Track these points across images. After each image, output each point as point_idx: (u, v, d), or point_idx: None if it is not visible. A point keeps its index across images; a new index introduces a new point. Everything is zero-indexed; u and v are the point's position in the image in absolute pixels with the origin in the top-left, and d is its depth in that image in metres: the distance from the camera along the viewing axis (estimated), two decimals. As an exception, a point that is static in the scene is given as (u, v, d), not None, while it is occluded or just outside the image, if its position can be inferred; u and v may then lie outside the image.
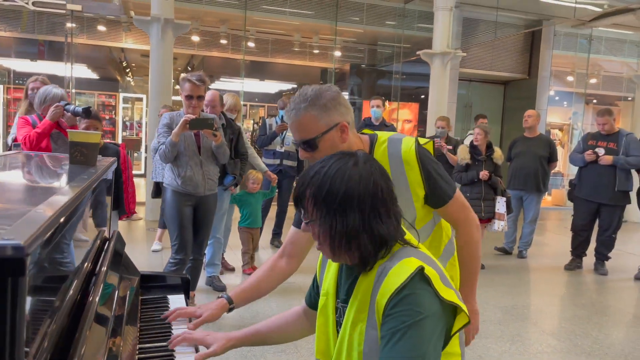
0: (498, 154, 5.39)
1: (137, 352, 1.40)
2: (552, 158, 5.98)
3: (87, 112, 3.30)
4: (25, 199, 1.08)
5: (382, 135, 1.65)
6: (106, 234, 1.89)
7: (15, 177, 1.45)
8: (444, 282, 1.22)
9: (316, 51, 10.79)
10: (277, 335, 1.54)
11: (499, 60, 10.57)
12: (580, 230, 5.62)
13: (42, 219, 0.63)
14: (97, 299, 1.13)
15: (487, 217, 5.40)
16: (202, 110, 3.69)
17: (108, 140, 4.18)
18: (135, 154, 12.13)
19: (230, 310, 1.61)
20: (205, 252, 4.04)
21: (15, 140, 3.36)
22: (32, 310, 0.67)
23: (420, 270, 1.16)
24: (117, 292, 1.41)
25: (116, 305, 1.32)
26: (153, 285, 1.93)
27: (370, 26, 9.89)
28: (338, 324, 1.32)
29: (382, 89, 10.92)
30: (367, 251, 1.19)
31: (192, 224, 3.58)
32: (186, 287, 1.95)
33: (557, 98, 12.47)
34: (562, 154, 11.28)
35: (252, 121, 12.01)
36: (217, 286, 4.32)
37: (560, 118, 12.84)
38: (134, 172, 4.61)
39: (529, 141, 5.99)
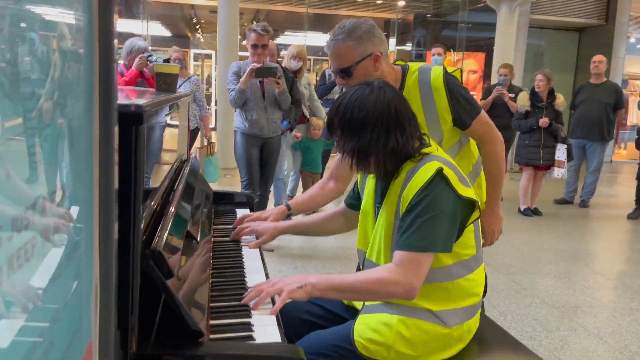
0: (560, 101, 5.34)
1: (212, 244, 1.74)
2: (618, 105, 5.81)
3: (167, 62, 3.69)
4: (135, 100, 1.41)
5: (413, 65, 1.85)
6: (184, 158, 2.24)
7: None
8: (462, 181, 1.46)
9: (379, 1, 10.72)
10: (317, 228, 1.85)
11: (574, 5, 10.05)
12: (645, 180, 5.51)
13: (149, 100, 0.93)
14: (181, 191, 1.46)
15: (546, 165, 5.41)
16: (266, 59, 3.98)
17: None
18: (207, 108, 12.74)
19: (288, 216, 1.94)
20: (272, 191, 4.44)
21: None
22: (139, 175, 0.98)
23: (439, 171, 1.40)
24: (196, 195, 1.75)
25: (196, 204, 1.66)
26: (224, 202, 2.28)
27: (436, -26, 9.68)
28: (375, 220, 1.60)
29: (447, 40, 10.73)
30: (388, 165, 1.45)
31: (259, 163, 3.95)
32: (251, 204, 2.29)
33: (638, 46, 11.71)
34: (640, 105, 10.69)
35: (315, 75, 12.22)
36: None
37: (642, 67, 12.06)
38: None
39: (594, 88, 5.84)
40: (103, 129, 0.70)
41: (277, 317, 1.25)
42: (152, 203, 1.25)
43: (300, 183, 5.27)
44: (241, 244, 1.79)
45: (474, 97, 1.93)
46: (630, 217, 5.62)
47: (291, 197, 5.31)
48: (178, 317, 0.96)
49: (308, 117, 5.01)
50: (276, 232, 1.82)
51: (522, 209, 5.61)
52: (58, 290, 0.58)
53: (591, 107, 5.76)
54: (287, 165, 5.03)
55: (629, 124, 11.20)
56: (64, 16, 0.64)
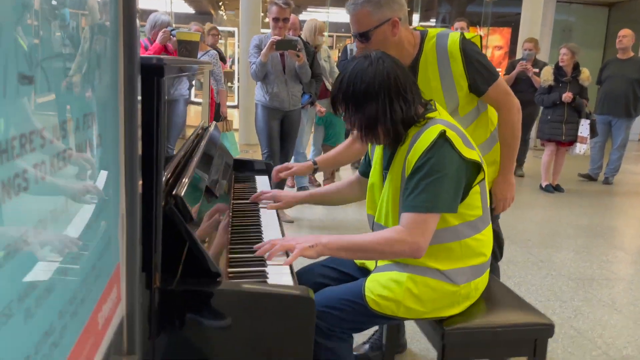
0: (585, 75, 5.25)
1: (231, 204, 1.83)
2: (646, 81, 5.68)
3: None
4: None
5: (432, 31, 1.88)
6: (205, 125, 2.33)
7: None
8: (466, 143, 1.50)
9: (404, -23, 10.55)
10: (334, 196, 1.92)
11: (604, -21, 9.74)
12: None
13: (172, 59, 1.01)
14: (202, 150, 1.54)
15: (569, 140, 5.35)
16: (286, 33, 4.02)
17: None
18: (230, 84, 12.82)
19: (315, 171, 2.02)
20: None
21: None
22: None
23: (442, 133, 1.44)
24: (217, 156, 1.83)
25: (217, 164, 1.74)
26: (244, 169, 2.36)
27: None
28: (382, 186, 1.65)
29: (472, 16, 10.54)
30: (393, 132, 1.49)
31: (279, 136, 4.02)
32: (269, 171, 2.36)
33: (672, 21, 11.32)
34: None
35: (337, 52, 12.16)
36: (307, 186, 4.82)
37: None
38: (227, 103, 5.18)
39: (621, 63, 5.72)
40: (127, 79, 0.77)
41: (290, 267, 1.32)
42: (175, 160, 1.33)
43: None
44: (259, 206, 1.87)
45: (499, 72, 1.94)
46: (655, 194, 5.54)
47: (311, 177, 5.38)
48: (198, 258, 1.04)
49: (330, 90, 5.04)
50: (293, 201, 1.89)
51: (543, 186, 5.58)
52: (91, 232, 0.65)
53: (617, 82, 5.66)
54: (307, 139, 5.10)
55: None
56: None
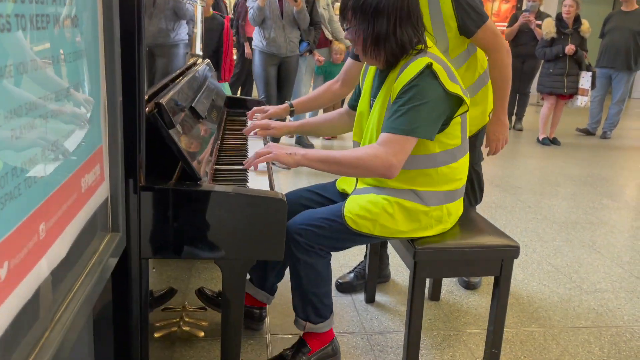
0: (586, 27, 5.22)
1: (222, 132, 1.93)
2: (649, 33, 5.63)
3: None
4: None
5: None
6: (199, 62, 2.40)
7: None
8: (451, 78, 1.57)
9: None
10: (325, 127, 2.01)
11: None
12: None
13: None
14: (190, 77, 1.62)
15: (570, 93, 5.37)
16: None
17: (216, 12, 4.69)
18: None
19: (291, 112, 2.09)
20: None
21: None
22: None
23: (429, 65, 1.51)
24: (209, 87, 1.92)
25: (208, 92, 1.83)
26: (236, 106, 2.44)
27: None
28: (369, 114, 1.74)
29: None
30: (391, 53, 1.56)
31: (276, 82, 4.09)
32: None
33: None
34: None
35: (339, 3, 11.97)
36: (305, 144, 4.89)
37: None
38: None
39: (624, 15, 5.65)
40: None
41: (270, 182, 1.43)
42: (165, 81, 1.41)
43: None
44: (249, 138, 1.96)
45: (488, 15, 1.98)
46: (651, 149, 5.59)
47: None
48: (182, 167, 1.14)
49: (330, 39, 5.05)
50: (285, 129, 1.98)
51: (540, 139, 5.64)
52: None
53: (619, 35, 5.61)
54: (305, 87, 5.14)
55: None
56: None
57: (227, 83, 4.71)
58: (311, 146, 4.88)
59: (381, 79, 1.67)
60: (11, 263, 0.50)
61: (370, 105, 1.72)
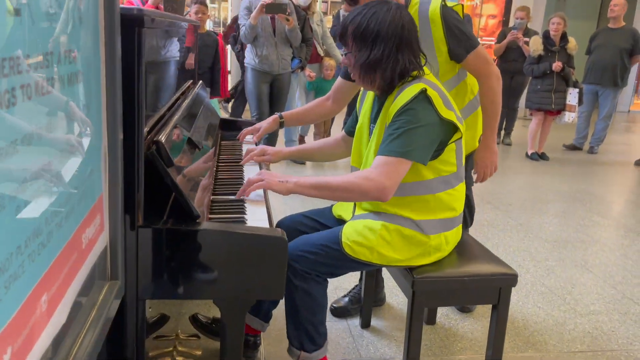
0: (572, 44, 5.29)
1: (217, 158, 1.90)
2: (635, 51, 5.70)
3: None
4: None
5: None
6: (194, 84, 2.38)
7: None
8: (446, 104, 1.57)
9: (399, -58, 10.37)
10: (320, 153, 2.00)
11: (602, -53, 9.64)
12: (656, 126, 5.50)
13: (153, 12, 1.07)
14: (189, 105, 1.60)
15: (558, 109, 5.43)
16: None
17: (211, 29, 4.70)
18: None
19: (280, 125, 2.09)
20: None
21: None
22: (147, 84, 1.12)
23: (423, 90, 1.51)
24: (204, 113, 1.90)
25: (203, 118, 1.81)
26: (230, 128, 2.42)
27: None
28: (369, 139, 1.73)
29: (468, -17, 10.42)
30: (389, 78, 1.56)
31: (269, 98, 4.08)
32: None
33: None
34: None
35: (331, 17, 12.04)
36: (296, 160, 4.88)
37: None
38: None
39: (611, 32, 5.74)
40: (108, 29, 0.83)
41: (268, 214, 1.41)
42: (159, 114, 1.39)
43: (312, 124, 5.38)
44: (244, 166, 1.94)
45: (479, 40, 1.99)
46: (638, 163, 5.65)
47: (302, 137, 5.43)
48: (180, 201, 1.12)
49: (322, 55, 5.05)
50: (281, 155, 1.96)
51: (529, 154, 5.68)
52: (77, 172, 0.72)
53: (606, 52, 5.69)
54: (297, 104, 5.13)
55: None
56: None
57: (216, 101, 4.69)
58: (302, 164, 4.86)
59: (379, 105, 1.66)
60: (14, 347, 0.47)
61: (370, 132, 1.71)
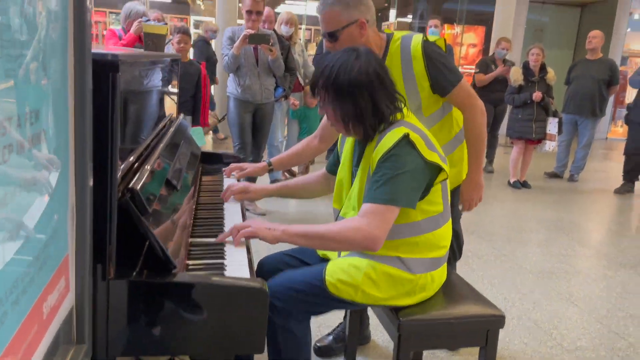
0: (551, 75, 5.39)
1: (196, 196, 1.85)
2: (612, 82, 5.83)
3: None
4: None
5: (397, 34, 1.92)
6: (174, 117, 2.33)
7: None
8: (429, 146, 1.55)
9: (381, -28, 10.60)
10: (302, 191, 1.96)
11: (577, -20, 9.95)
12: (633, 154, 5.59)
13: (128, 55, 1.02)
14: (166, 143, 1.55)
15: (538, 138, 5.49)
16: (260, 26, 4.02)
17: (193, 59, 4.68)
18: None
19: (270, 170, 2.05)
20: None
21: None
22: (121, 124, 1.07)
23: (406, 136, 1.49)
24: (183, 149, 1.85)
25: (182, 156, 1.76)
26: (212, 161, 2.37)
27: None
28: (352, 181, 1.69)
29: (448, 13, 10.66)
30: (367, 126, 1.54)
31: (251, 128, 4.04)
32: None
33: (641, 23, 11.63)
34: None
35: (315, 44, 12.17)
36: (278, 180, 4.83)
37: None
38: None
39: (589, 64, 5.87)
40: (77, 72, 0.78)
41: (249, 258, 1.36)
42: (137, 151, 1.34)
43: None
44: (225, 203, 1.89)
45: (462, 74, 1.98)
46: (617, 191, 5.72)
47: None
48: (155, 250, 1.06)
49: (303, 84, 5.06)
50: (263, 192, 1.92)
51: (511, 182, 5.72)
52: (41, 222, 0.67)
53: (584, 83, 5.80)
54: (281, 133, 5.11)
55: (626, 101, 11.22)
56: None
57: (201, 129, 4.64)
58: (293, 175, 4.82)
59: (361, 148, 1.64)
60: None
61: (353, 174, 1.69)
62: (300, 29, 6.42)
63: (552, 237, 4.08)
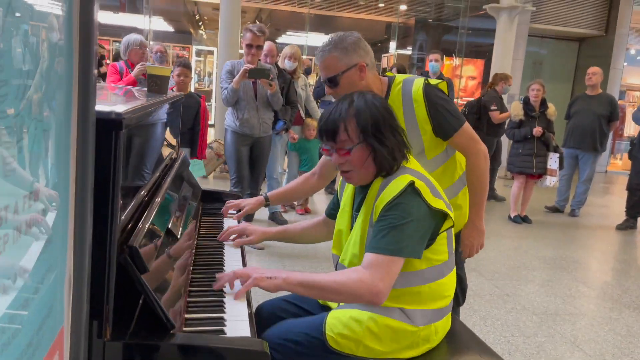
0: (552, 110, 5.41)
1: (195, 241, 1.81)
2: (612, 117, 5.85)
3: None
4: (121, 102, 1.48)
5: (399, 77, 1.92)
6: (174, 156, 2.31)
7: (112, 95, 1.88)
8: (434, 193, 1.52)
9: (381, 5, 10.79)
10: (301, 237, 1.92)
11: (575, 15, 10.12)
12: (636, 190, 5.57)
13: (132, 105, 1.00)
14: (166, 188, 1.52)
15: (539, 173, 5.48)
16: (259, 60, 4.04)
17: (193, 91, 4.72)
18: (207, 104, 12.81)
19: (266, 205, 2.02)
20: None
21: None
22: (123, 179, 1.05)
23: (411, 184, 1.46)
24: (183, 191, 1.82)
25: (182, 200, 1.73)
26: (212, 199, 2.34)
27: (438, -21, 9.75)
28: (351, 227, 1.66)
29: (447, 45, 10.80)
30: (373, 173, 1.51)
31: (248, 162, 4.01)
32: (238, 203, 2.35)
33: (638, 57, 11.80)
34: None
35: (316, 75, 12.29)
36: (279, 220, 4.78)
37: (641, 79, 12.12)
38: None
39: (589, 99, 5.90)
40: (81, 135, 0.76)
41: (249, 313, 1.31)
42: (138, 198, 1.31)
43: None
44: (225, 243, 1.85)
45: (464, 119, 1.98)
46: (620, 227, 5.69)
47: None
48: (152, 310, 1.02)
49: (303, 117, 5.08)
50: (263, 236, 1.88)
51: (512, 216, 5.69)
52: (31, 280, 0.64)
53: (585, 118, 5.82)
54: (280, 165, 5.10)
55: (625, 134, 11.28)
56: (53, 7, 0.68)
57: (201, 162, 4.64)
58: (285, 222, 4.77)
59: (362, 194, 1.61)
60: None
61: (353, 220, 1.65)
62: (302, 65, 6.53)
63: (555, 276, 4.02)
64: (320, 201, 5.94)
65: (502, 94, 6.02)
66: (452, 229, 1.60)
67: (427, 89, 1.86)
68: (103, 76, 6.42)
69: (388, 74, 2.00)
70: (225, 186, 6.13)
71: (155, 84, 1.78)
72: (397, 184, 1.47)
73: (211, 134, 9.80)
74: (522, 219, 5.67)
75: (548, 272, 4.10)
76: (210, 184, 6.55)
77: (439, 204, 1.50)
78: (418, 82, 1.87)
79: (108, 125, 0.87)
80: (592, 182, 6.18)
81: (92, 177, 0.79)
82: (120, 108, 0.90)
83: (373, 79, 1.86)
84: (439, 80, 1.96)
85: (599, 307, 3.47)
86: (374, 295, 1.40)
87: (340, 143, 1.51)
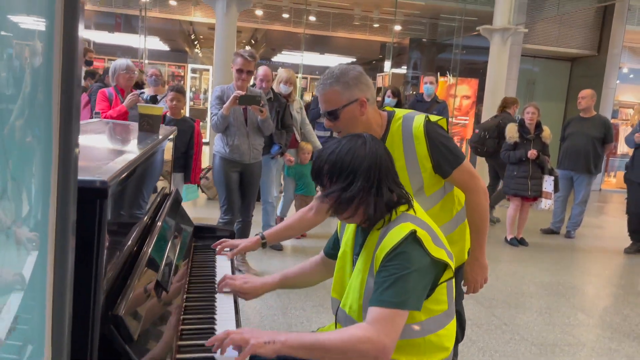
0: (547, 133, 5.41)
1: (186, 287, 1.76)
2: (607, 139, 5.86)
3: (153, 100, 3.85)
4: (108, 155, 1.44)
5: (399, 113, 1.90)
6: (167, 191, 2.27)
7: (100, 140, 1.84)
8: (436, 242, 1.48)
9: (376, 25, 10.86)
10: (301, 279, 1.87)
11: (567, 35, 10.21)
12: (635, 213, 5.56)
13: (118, 166, 0.96)
14: (156, 236, 1.48)
15: (534, 196, 5.47)
16: (253, 85, 4.02)
17: (188, 110, 4.70)
18: (202, 123, 12.80)
19: (263, 245, 1.97)
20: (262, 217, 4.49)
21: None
22: (110, 232, 1.00)
23: (413, 233, 1.42)
24: (174, 233, 1.77)
25: (172, 245, 1.68)
26: (205, 236, 2.29)
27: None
28: (351, 271, 1.61)
29: (442, 64, 10.86)
30: (371, 215, 1.47)
31: (238, 188, 3.94)
32: (232, 238, 2.30)
33: (631, 76, 11.90)
34: (630, 134, 10.79)
35: (311, 94, 12.32)
36: (274, 245, 4.72)
37: (635, 97, 12.22)
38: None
39: (583, 122, 5.91)
40: (60, 206, 0.72)
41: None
42: (124, 252, 1.26)
43: (294, 206, 5.31)
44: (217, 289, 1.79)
45: (465, 155, 1.95)
46: (628, 251, 5.63)
47: (281, 219, 5.32)
48: (138, 378, 0.97)
49: (299, 140, 5.05)
50: (263, 289, 1.81)
51: (508, 239, 5.66)
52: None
53: (579, 140, 5.82)
54: (276, 189, 5.06)
55: (619, 152, 11.32)
56: (39, 24, 0.64)
57: (196, 186, 4.59)
58: (280, 248, 4.72)
59: (363, 236, 1.57)
60: None
61: (353, 263, 1.61)
62: (297, 77, 6.50)
63: (553, 303, 3.97)
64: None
65: (515, 116, 6.03)
66: (453, 280, 1.56)
67: (428, 126, 1.84)
68: (92, 74, 6.34)
69: (388, 108, 1.97)
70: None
71: (147, 123, 1.74)
72: (397, 233, 1.43)
73: (206, 153, 9.78)
74: (519, 242, 5.64)
75: (546, 299, 4.05)
76: (203, 208, 6.50)
77: (440, 253, 1.46)
78: (419, 119, 1.85)
79: (91, 193, 0.83)
80: (587, 202, 6.16)
81: (72, 253, 0.75)
82: (105, 173, 0.86)
83: (373, 113, 1.84)
84: (440, 117, 1.94)
85: (598, 337, 3.42)
86: (380, 351, 1.34)
87: (322, 186, 1.49)
